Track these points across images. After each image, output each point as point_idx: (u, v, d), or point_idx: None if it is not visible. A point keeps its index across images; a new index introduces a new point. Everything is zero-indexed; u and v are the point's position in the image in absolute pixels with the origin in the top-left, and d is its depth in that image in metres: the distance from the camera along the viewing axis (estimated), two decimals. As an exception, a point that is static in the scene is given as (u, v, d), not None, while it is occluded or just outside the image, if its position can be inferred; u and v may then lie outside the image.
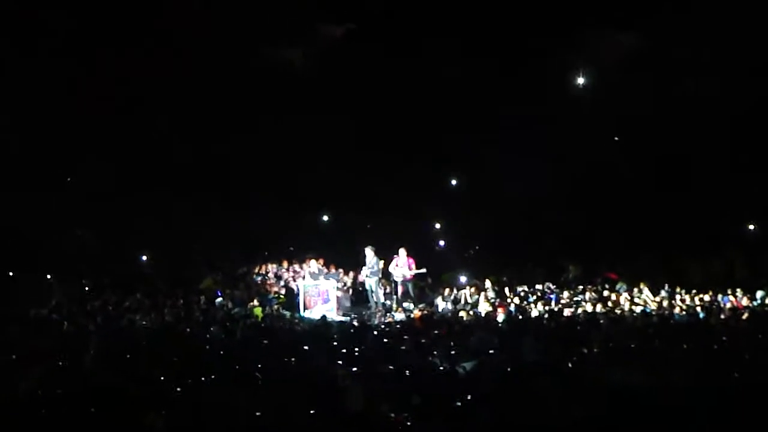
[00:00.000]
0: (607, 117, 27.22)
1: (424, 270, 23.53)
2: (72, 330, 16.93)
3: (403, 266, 23.11)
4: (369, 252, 22.92)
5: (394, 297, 23.27)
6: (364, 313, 22.47)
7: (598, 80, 26.89)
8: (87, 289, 23.22)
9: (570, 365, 12.20)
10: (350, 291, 24.25)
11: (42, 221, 25.21)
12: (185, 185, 27.15)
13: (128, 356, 13.20)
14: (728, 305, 21.85)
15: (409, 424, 9.33)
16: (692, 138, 26.77)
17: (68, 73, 24.86)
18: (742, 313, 20.30)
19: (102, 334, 15.91)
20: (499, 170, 27.20)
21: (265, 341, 15.40)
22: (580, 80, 26.86)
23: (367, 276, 22.97)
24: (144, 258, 26.92)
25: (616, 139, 28.90)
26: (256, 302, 21.99)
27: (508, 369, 12.14)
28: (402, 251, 23.24)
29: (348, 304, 23.58)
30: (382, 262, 23.02)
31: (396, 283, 23.38)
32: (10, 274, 24.77)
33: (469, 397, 10.25)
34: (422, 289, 24.03)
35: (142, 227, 26.39)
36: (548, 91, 27.30)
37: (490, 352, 13.84)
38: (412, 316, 21.29)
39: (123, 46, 25.06)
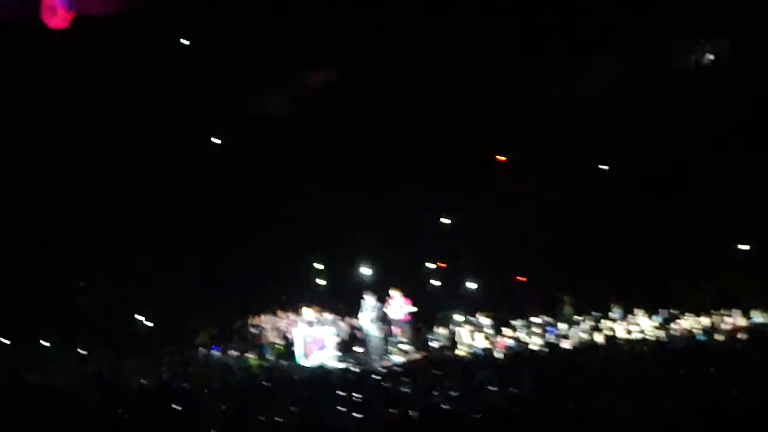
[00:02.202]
0: (593, 142, 27.37)
1: (415, 309, 23.44)
2: (69, 393, 16.82)
3: (397, 307, 23.04)
4: (369, 297, 22.84)
5: (389, 340, 23.18)
6: (362, 358, 22.40)
7: (580, 109, 27.15)
8: (81, 351, 23.10)
9: (570, 397, 12.15)
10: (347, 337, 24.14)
11: (31, 286, 25.22)
12: (175, 242, 27.19)
13: (126, 417, 13.13)
14: (724, 327, 21.85)
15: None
16: (683, 157, 26.94)
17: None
18: (740, 335, 20.30)
19: (99, 395, 15.81)
20: (488, 204, 27.28)
21: (266, 392, 15.37)
22: (565, 109, 27.12)
23: (368, 320, 22.84)
24: (137, 317, 26.82)
25: (604, 167, 29.00)
26: (251, 354, 21.95)
27: (510, 405, 12.12)
28: (396, 293, 23.18)
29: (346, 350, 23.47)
30: (380, 307, 22.93)
31: (391, 325, 23.30)
32: (5, 341, 24.70)
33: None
34: (418, 330, 23.93)
35: (133, 287, 26.36)
36: (536, 124, 27.52)
37: (491, 388, 13.82)
38: (411, 357, 21.25)
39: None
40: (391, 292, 23.20)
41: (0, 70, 24.59)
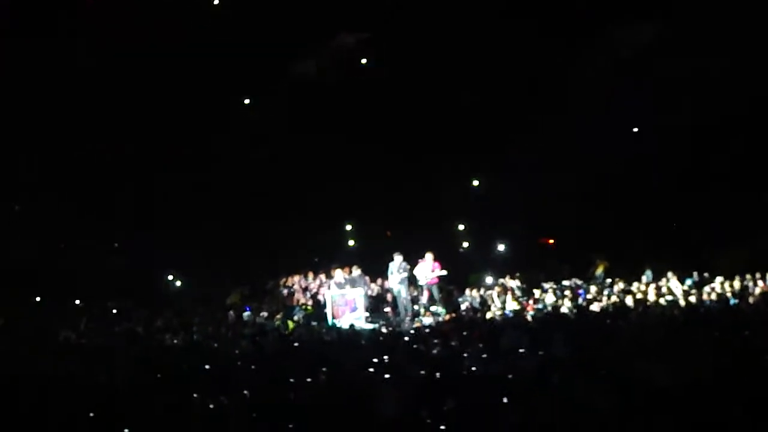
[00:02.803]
0: (633, 111, 27.19)
1: (445, 272, 23.42)
2: (101, 352, 16.98)
3: (426, 269, 23.02)
4: (398, 258, 22.82)
5: (421, 301, 23.19)
6: (392, 319, 22.44)
7: (616, 71, 26.95)
8: (114, 311, 23.31)
9: (601, 360, 12.10)
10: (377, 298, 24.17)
11: (67, 246, 25.47)
12: (208, 202, 27.35)
13: (158, 376, 13.23)
14: (758, 290, 21.67)
15: (443, 428, 9.30)
16: (719, 129, 26.69)
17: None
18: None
19: (131, 354, 15.95)
20: (522, 169, 27.18)
21: (296, 353, 15.44)
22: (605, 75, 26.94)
23: (397, 282, 22.83)
24: (170, 277, 27.05)
25: (635, 130, 28.81)
26: (282, 315, 22.05)
27: (538, 367, 12.10)
28: (428, 255, 23.15)
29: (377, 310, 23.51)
30: (409, 268, 22.92)
31: (422, 287, 23.31)
32: (38, 299, 24.97)
33: (503, 400, 10.23)
34: (449, 292, 23.92)
35: (165, 246, 26.54)
36: (570, 89, 27.35)
37: (521, 351, 13.80)
38: (440, 319, 21.24)
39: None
40: (426, 255, 23.16)
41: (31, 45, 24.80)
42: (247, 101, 29.10)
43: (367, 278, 23.93)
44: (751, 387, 9.73)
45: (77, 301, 24.85)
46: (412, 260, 23.02)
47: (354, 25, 28.32)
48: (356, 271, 23.37)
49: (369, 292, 23.63)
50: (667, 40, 26.77)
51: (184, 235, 26.65)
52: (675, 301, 20.56)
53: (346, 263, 24.20)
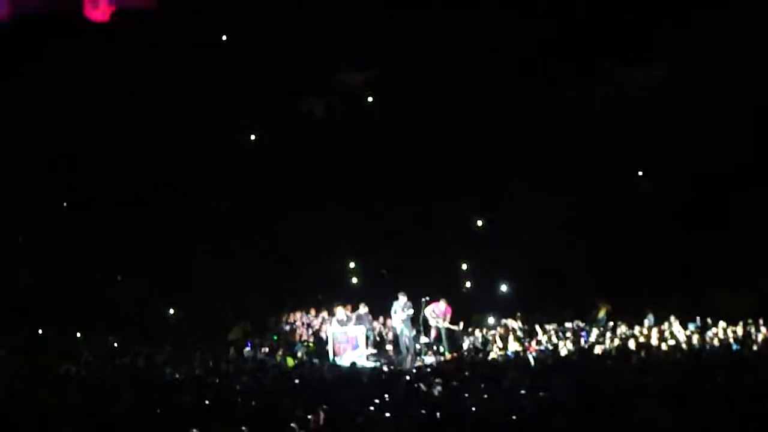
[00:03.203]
0: (632, 150, 27.30)
1: (457, 328, 23.44)
2: (102, 385, 16.93)
3: (441, 315, 23.02)
4: (402, 297, 22.81)
5: (425, 340, 23.16)
6: (394, 357, 22.39)
7: (621, 111, 27.09)
8: (116, 344, 23.27)
9: (602, 403, 12.07)
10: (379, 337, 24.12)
11: (69, 278, 25.47)
12: (211, 237, 27.42)
13: (159, 411, 13.19)
14: (761, 336, 21.62)
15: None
16: (721, 167, 26.78)
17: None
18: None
19: (132, 388, 15.90)
20: (525, 209, 27.27)
21: (297, 390, 15.40)
22: (603, 110, 27.09)
23: (400, 321, 22.79)
24: (171, 311, 27.03)
25: (640, 173, 28.92)
26: (282, 352, 22.01)
27: (540, 408, 12.07)
28: (443, 301, 23.16)
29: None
30: (412, 307, 22.90)
31: (430, 327, 23.28)
32: (40, 331, 24.95)
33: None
34: (452, 332, 23.86)
35: (168, 280, 26.60)
36: (570, 126, 27.48)
37: (522, 392, 13.77)
38: (442, 359, 21.21)
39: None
40: (441, 300, 23.17)
41: (44, 62, 25.00)
42: (252, 137, 29.30)
43: (370, 316, 23.92)
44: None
45: (78, 334, 24.81)
46: (415, 300, 23.00)
47: (357, 63, 28.56)
48: (363, 309, 23.35)
49: (372, 331, 23.62)
50: (671, 82, 26.99)
51: (187, 269, 26.70)
52: (677, 346, 20.52)
53: (348, 301, 24.22)
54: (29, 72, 25.37)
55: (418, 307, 22.85)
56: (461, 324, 24.03)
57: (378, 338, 23.89)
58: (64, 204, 27.67)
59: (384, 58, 27.75)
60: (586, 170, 26.93)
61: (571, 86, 27.64)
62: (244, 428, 11.41)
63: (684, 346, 20.71)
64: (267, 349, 22.29)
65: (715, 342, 21.23)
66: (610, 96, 27.79)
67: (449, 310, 23.09)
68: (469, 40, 26.59)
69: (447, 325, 22.99)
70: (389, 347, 23.36)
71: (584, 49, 26.72)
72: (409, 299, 22.76)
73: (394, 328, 23.28)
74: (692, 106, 26.78)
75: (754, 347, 20.19)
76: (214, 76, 26.64)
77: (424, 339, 23.09)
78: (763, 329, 22.52)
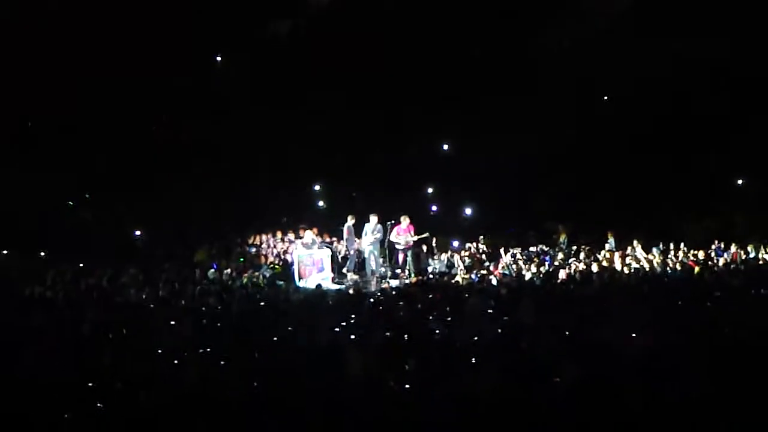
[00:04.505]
0: (598, 77, 27.30)
1: (427, 234, 23.49)
2: (68, 307, 16.89)
3: (405, 233, 23.05)
4: (373, 219, 22.80)
5: (390, 264, 23.25)
6: (359, 280, 22.47)
7: (590, 40, 27.03)
8: (81, 265, 23.15)
9: (565, 326, 12.20)
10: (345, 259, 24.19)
11: (35, 199, 25.23)
12: (177, 159, 27.22)
13: (124, 331, 13.21)
14: (722, 261, 21.86)
15: (407, 387, 9.35)
16: (686, 96, 26.89)
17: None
18: (737, 268, 20.32)
19: (98, 309, 15.88)
20: (489, 134, 27.32)
21: (262, 312, 15.46)
22: (569, 40, 27.04)
23: (368, 243, 22.83)
24: (137, 233, 26.93)
25: (606, 98, 28.99)
26: (248, 274, 22.00)
27: (503, 332, 12.19)
28: (404, 219, 23.16)
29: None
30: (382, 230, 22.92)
31: (397, 251, 23.34)
32: (4, 252, 24.78)
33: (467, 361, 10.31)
34: (417, 255, 23.93)
35: (134, 202, 26.45)
36: (536, 54, 27.44)
37: (486, 315, 13.89)
38: (408, 282, 21.31)
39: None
40: (402, 219, 23.18)
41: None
42: (218, 58, 28.92)
43: (335, 239, 24.01)
44: (711, 357, 9.85)
45: (41, 254, 24.69)
46: (383, 224, 23.01)
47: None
48: (351, 221, 23.60)
49: (336, 254, 23.72)
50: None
51: (153, 192, 26.54)
52: (640, 269, 20.70)
53: (314, 224, 24.26)
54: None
55: (384, 231, 22.89)
56: (424, 247, 24.14)
57: (343, 260, 23.99)
58: (29, 124, 27.16)
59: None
60: (551, 101, 26.95)
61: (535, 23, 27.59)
62: (209, 349, 11.47)
63: (647, 269, 20.91)
64: (231, 271, 22.21)
65: (678, 266, 21.44)
66: (573, 28, 27.70)
67: (412, 227, 23.14)
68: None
69: (415, 237, 23.06)
70: (355, 270, 23.45)
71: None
72: (379, 223, 22.81)
73: (362, 251, 23.34)
74: (657, 36, 26.70)
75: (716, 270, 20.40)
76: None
77: (394, 263, 23.25)
78: (724, 254, 22.84)
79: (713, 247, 23.82)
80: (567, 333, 11.74)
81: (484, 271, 21.77)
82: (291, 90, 27.37)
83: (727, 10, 25.42)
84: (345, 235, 23.90)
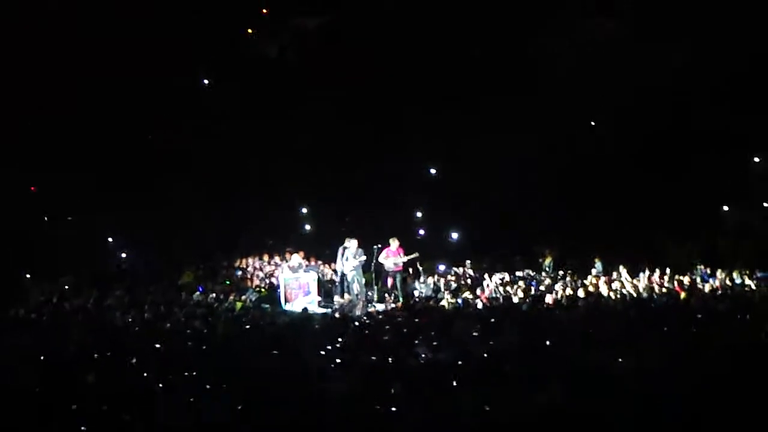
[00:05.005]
0: (584, 100, 27.33)
1: (416, 255, 23.52)
2: (52, 329, 16.81)
3: (394, 255, 23.09)
4: (353, 243, 22.81)
5: (377, 288, 23.24)
6: (344, 304, 22.41)
7: (577, 62, 27.06)
8: (66, 287, 23.05)
9: (550, 350, 12.22)
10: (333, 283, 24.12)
11: (19, 219, 25.12)
12: (164, 180, 27.12)
13: (109, 354, 13.15)
14: (707, 287, 21.92)
15: (393, 410, 9.35)
16: (673, 120, 26.95)
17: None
18: (722, 294, 20.37)
19: (82, 332, 15.82)
20: (476, 159, 27.36)
21: (248, 335, 15.43)
22: (560, 62, 27.07)
23: (351, 268, 22.81)
24: (123, 255, 26.85)
25: (593, 123, 29.05)
26: (234, 297, 21.94)
27: (488, 355, 12.19)
28: (394, 241, 23.21)
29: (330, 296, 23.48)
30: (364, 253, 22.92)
31: (385, 275, 23.35)
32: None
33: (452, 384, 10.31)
34: (404, 279, 23.92)
35: (120, 224, 26.37)
36: (525, 76, 27.44)
37: (471, 338, 13.89)
38: (394, 306, 21.28)
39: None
40: (391, 241, 23.23)
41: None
42: (206, 81, 28.90)
43: (320, 263, 23.98)
44: (696, 380, 9.88)
45: (26, 275, 24.55)
46: (367, 246, 23.02)
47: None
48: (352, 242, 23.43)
49: (322, 278, 23.69)
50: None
51: (140, 213, 26.44)
52: (626, 295, 20.73)
53: (300, 247, 24.25)
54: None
55: (370, 255, 22.89)
56: (410, 270, 24.14)
57: (329, 285, 23.94)
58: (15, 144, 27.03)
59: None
60: (538, 121, 26.96)
61: (528, 36, 27.58)
62: (194, 373, 11.45)
63: (633, 294, 20.93)
64: (216, 295, 22.11)
65: (663, 291, 21.47)
66: (565, 47, 27.73)
67: (401, 250, 23.19)
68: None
69: (405, 258, 23.10)
70: (341, 294, 23.38)
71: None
72: (360, 246, 22.80)
73: (345, 276, 23.28)
74: (648, 58, 26.80)
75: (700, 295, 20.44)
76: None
77: (381, 286, 23.25)
78: (710, 280, 22.91)
79: (698, 271, 23.92)
80: (552, 356, 11.75)
81: (470, 296, 21.74)
82: (279, 104, 27.39)
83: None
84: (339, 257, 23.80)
